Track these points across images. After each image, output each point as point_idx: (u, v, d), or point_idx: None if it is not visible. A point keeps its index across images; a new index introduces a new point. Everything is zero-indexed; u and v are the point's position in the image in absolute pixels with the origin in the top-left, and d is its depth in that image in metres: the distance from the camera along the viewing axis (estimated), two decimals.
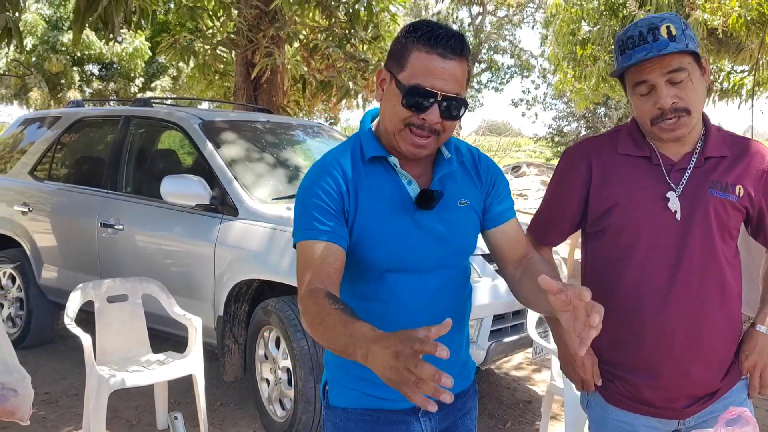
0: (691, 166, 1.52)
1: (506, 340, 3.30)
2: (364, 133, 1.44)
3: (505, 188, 1.53)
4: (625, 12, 10.63)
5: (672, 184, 1.51)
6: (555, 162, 23.78)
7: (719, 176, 1.52)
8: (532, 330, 3.09)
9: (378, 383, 1.44)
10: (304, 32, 7.18)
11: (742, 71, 10.54)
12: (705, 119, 1.57)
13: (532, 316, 3.13)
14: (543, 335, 3.22)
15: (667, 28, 1.44)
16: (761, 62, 9.79)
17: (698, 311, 1.50)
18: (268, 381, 3.47)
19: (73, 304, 3.19)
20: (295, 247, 1.38)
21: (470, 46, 1.35)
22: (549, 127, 26.87)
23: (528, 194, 16.95)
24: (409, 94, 1.30)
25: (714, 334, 1.52)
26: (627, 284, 1.54)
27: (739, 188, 1.52)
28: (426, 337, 0.96)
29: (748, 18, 7.03)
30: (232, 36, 6.75)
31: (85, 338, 2.99)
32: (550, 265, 1.54)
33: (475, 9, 31.36)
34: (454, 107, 1.32)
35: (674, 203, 1.50)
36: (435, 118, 1.31)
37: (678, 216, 1.49)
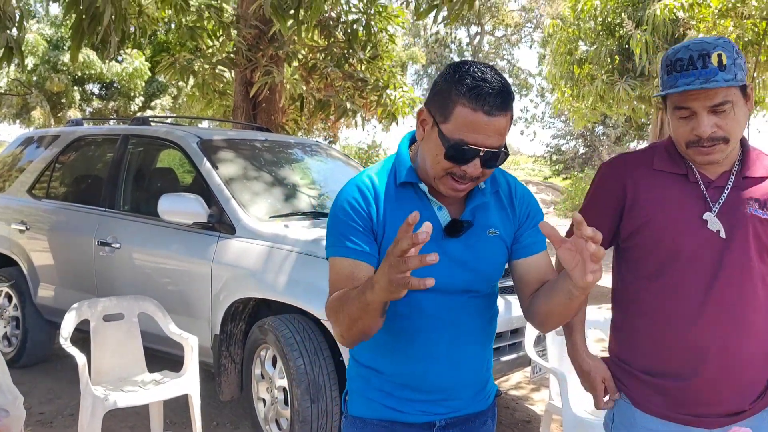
0: (730, 185, 1.52)
1: (504, 359, 3.28)
2: (401, 158, 1.46)
3: (539, 219, 1.51)
4: (621, 32, 10.72)
5: (710, 202, 1.51)
6: (554, 180, 23.84)
7: (758, 195, 1.51)
8: (529, 349, 3.07)
9: (396, 396, 1.47)
10: (302, 52, 7.24)
11: None
12: (743, 140, 1.56)
13: (530, 335, 3.11)
14: (541, 354, 3.20)
15: (719, 56, 1.41)
16: (757, 81, 9.86)
17: (732, 330, 1.49)
18: (264, 401, 3.44)
19: (69, 323, 3.17)
20: (327, 259, 1.43)
21: (513, 96, 1.35)
22: (547, 146, 27.00)
23: None
24: (453, 149, 1.31)
25: (747, 353, 1.51)
26: (661, 299, 1.54)
27: None
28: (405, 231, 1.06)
29: (744, 38, 7.10)
30: (232, 55, 6.80)
31: (80, 358, 2.97)
32: None
33: (474, 29, 31.68)
34: (495, 159, 1.33)
35: (714, 223, 1.49)
36: (477, 171, 1.33)
37: (722, 234, 1.49)
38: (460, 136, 1.30)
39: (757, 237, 1.50)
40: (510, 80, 32.26)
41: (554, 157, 26.27)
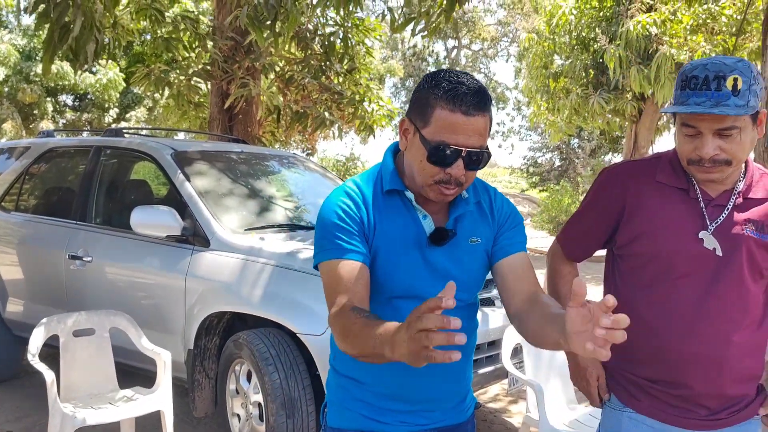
0: (730, 205, 1.52)
1: (481, 371, 3.27)
2: (386, 166, 1.48)
3: (518, 224, 1.54)
4: (595, 46, 10.90)
5: (707, 220, 1.51)
6: (530, 193, 24.04)
7: (756, 216, 1.52)
8: (507, 361, 3.06)
9: (377, 406, 1.47)
10: (279, 64, 7.22)
11: None
12: (747, 161, 1.56)
13: (507, 347, 3.11)
14: (518, 366, 3.20)
15: (735, 80, 1.40)
16: None
17: (721, 346, 1.50)
18: (239, 416, 3.38)
19: (37, 339, 3.09)
20: (316, 268, 1.43)
21: (491, 98, 1.38)
22: (524, 158, 27.26)
23: None
24: (435, 151, 1.33)
25: (734, 368, 1.52)
26: (653, 310, 1.54)
27: None
28: (433, 303, 0.99)
29: (714, 54, 7.24)
30: (208, 67, 6.76)
31: (48, 374, 2.89)
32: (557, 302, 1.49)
33: (451, 42, 31.97)
34: (477, 159, 1.35)
35: (710, 241, 1.50)
36: (460, 172, 1.34)
37: (718, 252, 1.49)
38: (440, 138, 1.32)
39: (751, 258, 1.51)
40: None
41: (531, 170, 26.52)
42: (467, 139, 1.32)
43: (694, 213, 1.52)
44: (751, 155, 1.65)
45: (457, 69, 1.43)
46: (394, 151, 1.51)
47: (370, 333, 1.18)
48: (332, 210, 1.42)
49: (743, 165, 1.56)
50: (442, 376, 1.47)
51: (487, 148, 1.37)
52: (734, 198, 1.53)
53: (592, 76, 11.27)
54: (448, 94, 1.31)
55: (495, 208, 1.52)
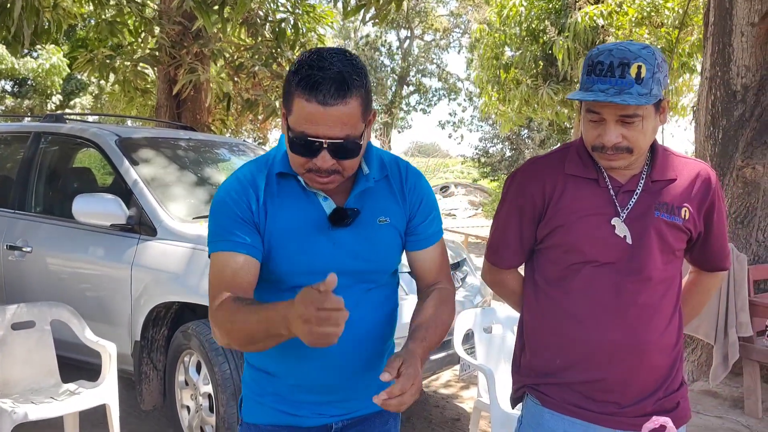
0: (639, 189, 1.53)
1: (433, 357, 3.29)
2: (279, 149, 1.41)
3: (432, 208, 1.48)
4: (545, 38, 11.06)
5: (618, 207, 1.52)
6: (482, 183, 24.33)
7: (666, 198, 1.53)
8: (458, 347, 3.09)
9: (291, 399, 1.42)
10: (229, 50, 7.08)
11: None
12: (653, 144, 1.57)
13: (459, 333, 3.13)
14: (469, 351, 3.23)
15: (638, 67, 1.40)
16: (670, 88, 10.37)
17: (638, 331, 1.52)
18: (188, 408, 3.32)
19: None
20: (209, 256, 1.36)
21: (359, 77, 1.26)
22: (475, 149, 27.54)
23: (456, 213, 17.24)
24: (295, 142, 1.26)
25: (652, 353, 1.53)
26: (572, 301, 1.54)
27: (685, 210, 1.54)
28: (323, 291, 1.05)
29: (658, 46, 7.44)
30: (155, 53, 6.58)
31: None
32: (443, 306, 1.46)
33: (403, 33, 31.98)
34: (344, 149, 1.27)
35: (621, 228, 1.51)
36: (326, 163, 1.27)
37: (629, 240, 1.50)
38: (301, 128, 1.24)
39: (663, 241, 1.52)
40: (439, 84, 32.83)
41: (482, 160, 26.80)
42: (328, 129, 1.23)
43: (606, 201, 1.53)
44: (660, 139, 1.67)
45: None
46: None
47: (258, 318, 1.17)
48: (222, 199, 1.36)
49: (650, 149, 1.57)
50: (357, 363, 1.41)
51: (358, 137, 1.27)
52: (642, 182, 1.54)
53: (541, 67, 11.43)
54: (303, 82, 1.22)
55: (407, 188, 1.45)
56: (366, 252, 1.39)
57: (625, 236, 1.52)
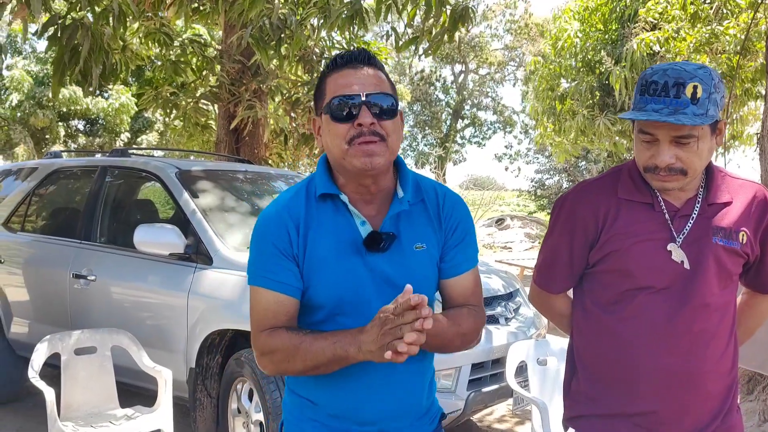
0: (695, 213, 1.49)
1: (485, 389, 3.23)
2: (318, 171, 1.42)
3: (467, 233, 1.44)
4: (601, 68, 10.94)
5: (674, 232, 1.48)
6: (538, 215, 23.98)
7: (723, 223, 1.49)
8: (511, 379, 3.01)
9: (331, 427, 1.41)
10: (286, 86, 7.28)
11: None
12: (709, 165, 1.53)
13: (511, 365, 3.06)
14: (523, 384, 3.15)
15: (694, 87, 1.37)
16: (734, 116, 10.04)
17: (693, 358, 1.47)
18: None
19: (39, 357, 3.08)
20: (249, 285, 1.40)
21: (380, 63, 1.39)
22: (532, 181, 27.23)
23: (512, 246, 17.01)
24: (334, 108, 1.31)
25: (708, 380, 1.49)
26: (623, 326, 1.51)
27: (743, 234, 1.50)
28: (400, 306, 1.15)
29: (719, 72, 7.24)
30: (215, 90, 6.83)
31: (49, 392, 2.88)
32: (469, 316, 1.42)
33: (458, 67, 32.20)
34: (383, 104, 1.31)
35: (678, 254, 1.47)
36: (368, 119, 1.29)
37: (686, 265, 1.46)
38: (336, 94, 1.31)
39: (721, 266, 1.48)
40: (494, 117, 32.77)
41: (538, 192, 26.46)
42: (363, 87, 1.30)
43: (661, 226, 1.49)
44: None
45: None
46: (326, 157, 1.44)
47: (327, 342, 1.25)
48: (261, 229, 1.38)
49: (705, 171, 1.52)
50: (397, 393, 1.40)
51: (390, 94, 1.33)
52: (698, 205, 1.50)
53: (598, 97, 11.29)
54: (332, 63, 1.36)
55: (443, 214, 1.42)
56: (401, 279, 1.34)
57: (682, 261, 1.47)
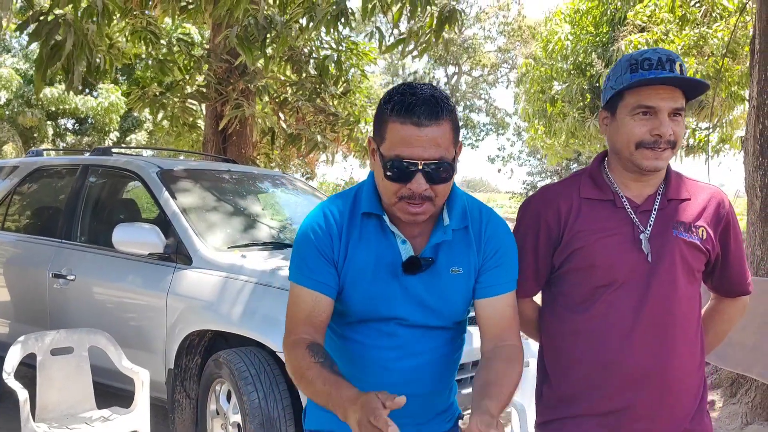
0: (656, 207, 1.51)
1: (465, 391, 3.19)
2: (366, 186, 1.43)
3: (506, 257, 1.44)
4: (592, 71, 10.97)
5: (639, 226, 1.49)
6: None
7: (682, 217, 1.51)
8: None
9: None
10: (274, 86, 7.26)
11: (706, 128, 10.85)
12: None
13: None
14: None
15: (680, 65, 1.46)
16: (724, 120, 10.08)
17: (661, 351, 1.47)
18: None
19: (13, 357, 3.04)
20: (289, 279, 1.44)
21: (450, 103, 1.32)
22: (524, 183, 27.33)
23: None
24: (391, 167, 1.29)
25: (677, 374, 1.48)
26: (592, 325, 1.50)
27: (702, 230, 1.51)
28: (383, 408, 1.11)
29: (704, 74, 7.27)
30: (202, 89, 6.80)
31: (22, 393, 2.85)
32: (511, 365, 1.39)
33: (451, 69, 32.23)
34: (439, 172, 1.29)
35: (646, 245, 1.48)
36: (421, 187, 1.29)
37: (650, 258, 1.47)
38: (395, 152, 1.28)
39: (683, 259, 1.49)
40: (487, 119, 32.84)
41: (530, 194, 26.59)
42: (423, 151, 1.27)
43: (624, 221, 1.51)
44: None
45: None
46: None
47: (324, 389, 1.25)
48: (307, 232, 1.41)
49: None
50: (420, 396, 1.42)
51: (450, 160, 1.30)
52: (658, 200, 1.52)
53: (588, 99, 11.32)
54: (398, 106, 1.28)
55: (484, 237, 1.42)
56: (434, 302, 1.40)
57: (647, 254, 1.47)
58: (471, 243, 1.41)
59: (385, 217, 1.38)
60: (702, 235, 1.51)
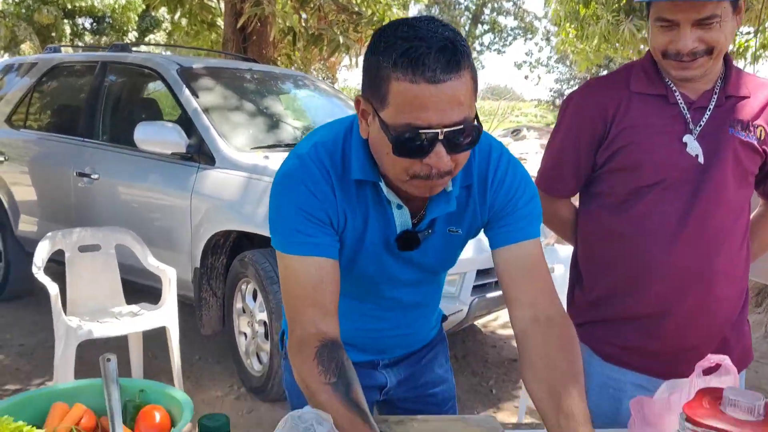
0: (712, 105, 1.40)
1: (489, 295, 3.21)
2: (355, 151, 1.11)
3: (522, 201, 1.17)
4: None
5: (691, 124, 1.39)
6: None
7: (740, 115, 1.40)
8: None
9: None
10: None
11: (748, 33, 10.28)
12: (727, 57, 1.43)
13: None
14: None
15: None
16: (766, 24, 9.52)
17: (707, 256, 1.39)
18: (245, 334, 3.39)
19: (41, 252, 3.08)
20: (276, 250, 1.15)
21: (466, 43, 1.00)
22: (551, 90, 26.61)
23: (527, 157, 16.80)
24: (402, 141, 0.97)
25: (720, 281, 1.42)
26: (633, 226, 1.42)
27: (761, 130, 1.41)
28: None
29: None
30: None
31: (53, 287, 2.89)
32: (573, 353, 1.12)
33: None
34: (463, 138, 0.98)
35: (693, 147, 1.38)
36: (443, 161, 0.98)
37: (701, 159, 1.38)
38: (405, 120, 0.96)
39: (737, 161, 1.39)
40: (515, 23, 31.53)
41: (557, 102, 25.92)
42: (443, 115, 0.95)
43: (676, 118, 1.40)
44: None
45: (423, 15, 1.12)
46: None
47: (337, 422, 0.99)
48: (294, 187, 1.10)
49: (722, 61, 1.42)
50: (407, 327, 1.36)
51: (474, 119, 0.99)
52: (715, 97, 1.40)
53: (624, 1, 10.73)
54: (404, 58, 0.94)
55: (489, 193, 1.17)
56: (428, 260, 1.23)
57: (697, 155, 1.38)
58: (475, 201, 1.18)
59: (382, 184, 1.11)
60: (760, 135, 1.40)
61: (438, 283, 1.40)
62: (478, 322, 4.32)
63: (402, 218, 1.16)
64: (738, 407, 0.87)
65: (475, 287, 3.11)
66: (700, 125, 1.39)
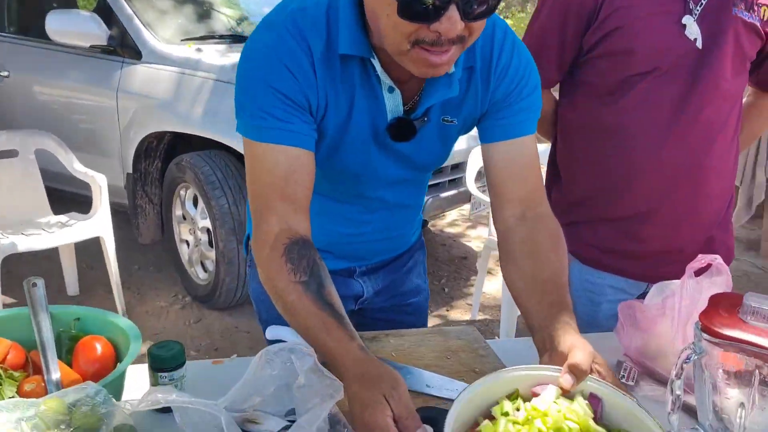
0: None
1: (443, 195, 3.12)
2: (342, 14, 0.94)
3: (524, 92, 1.05)
4: None
5: (691, 3, 1.24)
6: None
7: None
8: (471, 184, 2.89)
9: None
10: None
11: None
12: None
13: (471, 170, 2.92)
14: (482, 189, 3.04)
15: None
16: None
17: (698, 153, 1.30)
18: (187, 242, 3.21)
19: None
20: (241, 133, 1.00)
21: None
22: None
23: None
24: (408, 0, 0.81)
25: (712, 177, 1.33)
26: (622, 119, 1.30)
27: (765, 10, 1.28)
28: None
29: None
30: None
31: None
32: (561, 249, 1.05)
33: None
34: (481, 1, 0.83)
35: (692, 30, 1.25)
36: (455, 27, 0.83)
37: (699, 44, 1.24)
38: None
39: (738, 45, 1.27)
40: None
41: None
42: None
43: None
44: None
45: None
46: None
47: (312, 331, 0.89)
48: (267, 64, 0.94)
49: None
50: (389, 231, 1.24)
51: None
52: None
53: None
54: None
55: (493, 77, 1.03)
56: (422, 159, 1.08)
57: (695, 39, 1.25)
58: (476, 85, 1.04)
59: (375, 62, 0.96)
60: (763, 15, 1.28)
61: (424, 182, 1.27)
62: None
63: (393, 103, 1.00)
64: (760, 314, 0.78)
65: (428, 186, 3.01)
66: (701, 4, 1.25)
